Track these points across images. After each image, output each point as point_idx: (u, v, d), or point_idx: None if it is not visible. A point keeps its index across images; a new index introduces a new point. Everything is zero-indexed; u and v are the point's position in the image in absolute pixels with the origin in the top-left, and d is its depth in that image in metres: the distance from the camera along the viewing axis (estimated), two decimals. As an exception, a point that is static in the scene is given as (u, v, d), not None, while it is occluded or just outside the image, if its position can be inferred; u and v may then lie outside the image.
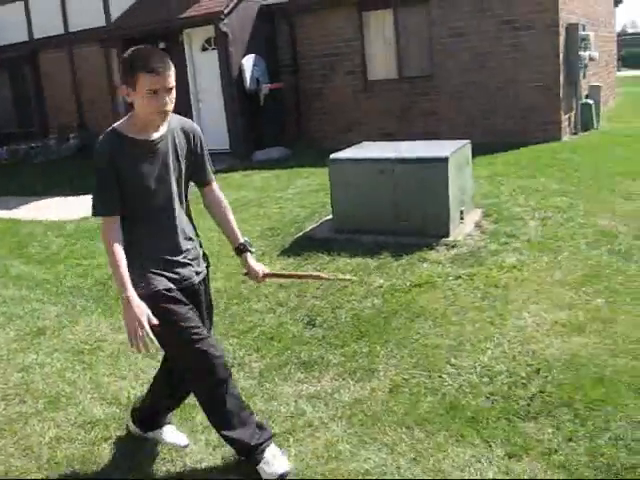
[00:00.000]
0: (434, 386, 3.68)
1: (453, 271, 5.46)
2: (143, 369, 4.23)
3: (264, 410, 3.58)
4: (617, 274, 5.13)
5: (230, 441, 3.00)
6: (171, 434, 3.37)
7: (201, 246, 3.11)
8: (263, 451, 2.97)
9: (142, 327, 2.59)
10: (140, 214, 2.82)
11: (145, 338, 2.60)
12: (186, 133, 2.96)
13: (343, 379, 3.84)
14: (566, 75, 11.69)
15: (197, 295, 3.00)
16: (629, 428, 3.11)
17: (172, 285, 2.84)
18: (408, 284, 5.17)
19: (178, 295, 2.85)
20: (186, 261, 2.94)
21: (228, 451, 3.16)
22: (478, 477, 2.87)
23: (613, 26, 19.82)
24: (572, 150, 10.54)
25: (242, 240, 3.09)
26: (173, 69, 2.72)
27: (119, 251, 2.71)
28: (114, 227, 2.75)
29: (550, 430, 3.16)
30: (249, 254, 3.09)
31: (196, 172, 3.03)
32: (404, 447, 3.13)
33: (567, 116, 11.98)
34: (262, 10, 13.61)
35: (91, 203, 2.77)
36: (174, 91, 2.76)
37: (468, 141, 6.79)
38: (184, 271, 2.92)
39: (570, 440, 3.06)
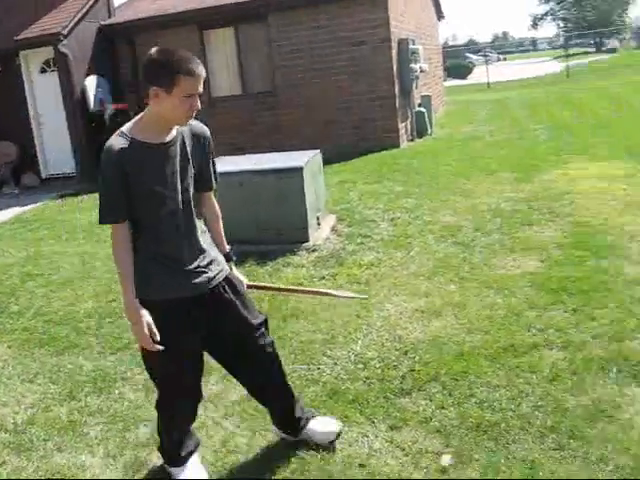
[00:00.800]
0: (314, 377, 3.94)
1: (317, 273, 5.79)
2: (23, 393, 4.18)
3: (156, 419, 3.68)
4: (463, 263, 5.66)
5: (161, 449, 3.14)
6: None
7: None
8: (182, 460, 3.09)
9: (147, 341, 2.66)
10: (150, 221, 2.72)
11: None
12: (197, 136, 2.85)
13: (228, 381, 4.00)
14: (400, 86, 12.49)
15: (220, 298, 2.88)
16: (490, 391, 3.52)
17: (180, 294, 2.77)
18: (277, 288, 5.43)
19: (182, 311, 2.77)
20: (199, 269, 2.81)
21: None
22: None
23: (438, 39, 21.26)
24: (411, 156, 11.29)
25: (228, 249, 3.07)
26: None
27: (128, 261, 2.69)
28: (123, 234, 2.70)
29: (423, 402, 3.51)
30: (232, 264, 3.06)
31: (202, 177, 2.89)
32: (295, 433, 3.37)
33: (403, 124, 12.79)
34: (103, 30, 13.47)
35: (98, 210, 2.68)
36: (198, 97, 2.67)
37: (318, 151, 7.17)
38: (196, 280, 2.79)
39: (442, 408, 3.43)
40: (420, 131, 13.42)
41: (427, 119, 13.54)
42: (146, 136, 2.67)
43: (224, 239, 3.09)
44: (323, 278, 5.64)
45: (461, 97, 24.60)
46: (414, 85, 13.00)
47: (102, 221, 2.71)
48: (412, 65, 12.53)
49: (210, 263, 2.86)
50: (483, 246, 6.05)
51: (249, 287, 3.17)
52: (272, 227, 6.48)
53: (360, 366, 4.00)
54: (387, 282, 5.38)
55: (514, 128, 13.79)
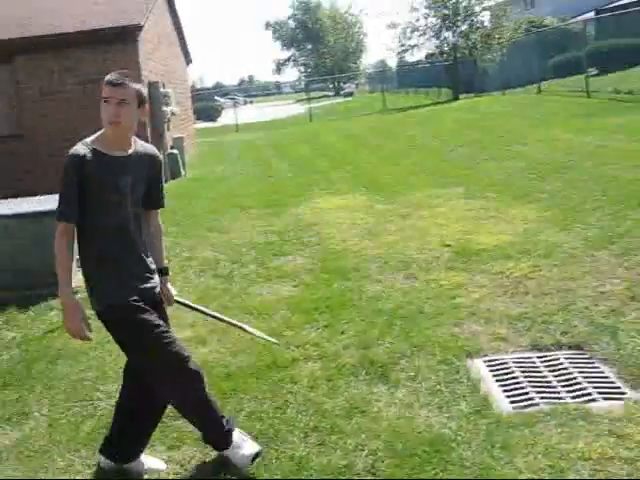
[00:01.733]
0: (90, 412, 4.00)
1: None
2: None
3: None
4: (224, 293, 6.00)
5: (206, 433, 3.22)
6: (150, 460, 3.35)
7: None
8: (232, 435, 3.20)
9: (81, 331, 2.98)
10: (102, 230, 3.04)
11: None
12: (149, 156, 3.16)
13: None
14: (153, 128, 12.67)
15: (158, 305, 3.20)
16: (257, 404, 3.87)
17: (138, 296, 3.04)
18: (42, 332, 5.34)
19: (145, 306, 3.05)
20: (147, 275, 3.14)
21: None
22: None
23: (187, 82, 21.73)
24: (169, 196, 11.46)
25: (165, 264, 3.31)
26: (129, 88, 2.96)
27: (68, 256, 2.95)
28: (69, 233, 2.97)
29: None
30: (168, 277, 3.34)
31: (152, 195, 3.19)
32: (78, 467, 3.42)
33: (157, 165, 12.94)
34: None
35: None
36: (127, 107, 2.94)
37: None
38: (146, 284, 3.12)
39: (214, 424, 3.69)
40: (174, 173, 13.67)
41: (180, 161, 13.85)
42: (104, 148, 3.01)
43: (164, 254, 3.39)
44: (89, 318, 5.62)
45: (212, 139, 25.29)
46: (166, 127, 13.26)
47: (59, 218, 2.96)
48: (164, 108, 12.80)
49: (154, 272, 3.22)
50: (241, 277, 6.44)
51: (177, 302, 3.43)
52: (33, 271, 6.32)
53: (132, 397, 4.12)
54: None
55: (264, 167, 14.58)
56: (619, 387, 3.81)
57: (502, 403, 3.75)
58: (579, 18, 27.73)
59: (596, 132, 12.72)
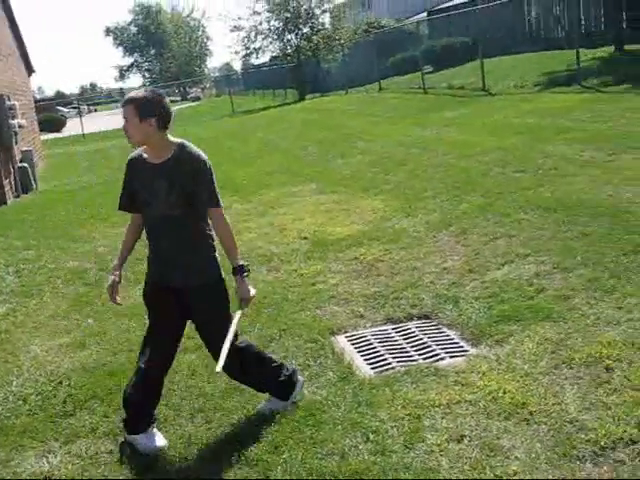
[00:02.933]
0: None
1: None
2: None
3: None
4: (96, 300, 6.15)
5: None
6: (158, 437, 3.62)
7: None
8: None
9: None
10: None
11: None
12: (185, 162, 3.40)
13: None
14: (0, 143, 12.33)
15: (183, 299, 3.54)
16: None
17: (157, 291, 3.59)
18: None
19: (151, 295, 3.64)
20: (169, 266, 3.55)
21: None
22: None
23: (30, 94, 21.02)
24: (21, 211, 11.29)
25: (236, 263, 3.53)
26: (128, 106, 3.32)
27: (127, 236, 3.69)
28: (133, 220, 3.67)
29: (88, 417, 3.98)
30: (241, 277, 3.56)
31: (197, 197, 3.42)
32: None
33: (7, 181, 12.62)
34: None
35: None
36: (126, 123, 3.35)
37: None
38: (169, 283, 3.54)
39: (105, 417, 3.96)
40: (25, 186, 13.36)
41: (30, 174, 13.55)
42: (147, 155, 3.47)
43: (232, 254, 3.54)
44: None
45: (60, 150, 24.58)
46: (14, 141, 12.94)
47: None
48: (10, 121, 12.49)
49: (177, 267, 3.52)
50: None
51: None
52: None
53: (20, 402, 4.27)
54: (28, 327, 5.63)
55: (119, 175, 14.42)
56: (462, 346, 4.43)
57: (364, 369, 4.25)
58: (413, 19, 29.41)
59: (433, 125, 13.75)
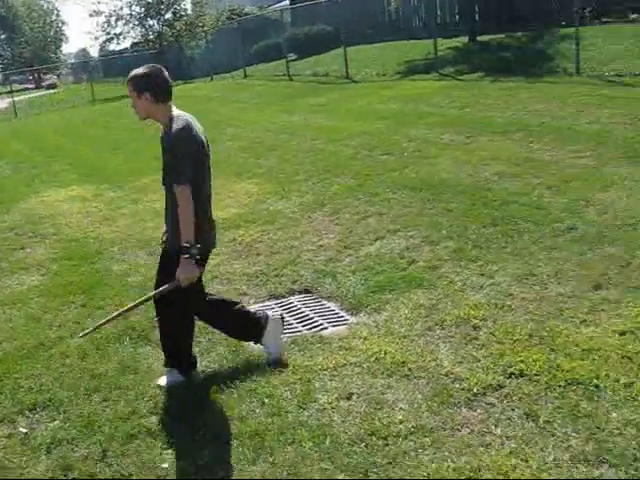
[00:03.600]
0: None
1: None
2: None
3: None
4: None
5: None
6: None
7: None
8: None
9: None
10: None
11: None
12: (167, 135, 3.62)
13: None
14: None
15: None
16: (35, 379, 4.14)
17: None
18: None
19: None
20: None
21: None
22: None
23: None
24: None
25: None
26: (128, 84, 3.66)
27: None
28: None
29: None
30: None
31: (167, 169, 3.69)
32: None
33: None
34: None
35: None
36: (132, 100, 3.68)
37: None
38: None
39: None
40: None
41: None
42: None
43: (182, 232, 3.53)
44: None
45: None
46: None
47: None
48: None
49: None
50: (-15, 273, 6.42)
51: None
52: None
53: None
54: None
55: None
56: (343, 316, 4.73)
57: (252, 343, 4.44)
58: (276, 6, 29.58)
59: (301, 112, 14.04)
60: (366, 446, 3.12)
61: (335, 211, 6.98)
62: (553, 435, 3.05)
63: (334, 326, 4.57)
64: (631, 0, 15.49)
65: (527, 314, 4.23)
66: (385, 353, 3.96)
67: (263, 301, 5.16)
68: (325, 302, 5.00)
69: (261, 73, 23.72)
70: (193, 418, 3.51)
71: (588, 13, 14.70)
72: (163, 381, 3.94)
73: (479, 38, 17.59)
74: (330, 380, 3.76)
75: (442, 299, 4.62)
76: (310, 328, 4.60)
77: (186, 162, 3.52)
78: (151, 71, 3.63)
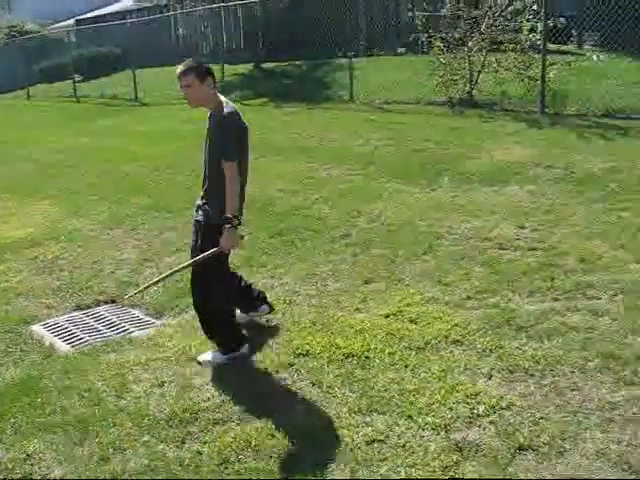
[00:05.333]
0: None
1: None
2: None
3: None
4: None
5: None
6: None
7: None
8: None
9: None
10: None
11: None
12: (214, 117, 4.17)
13: None
14: None
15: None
16: None
17: None
18: None
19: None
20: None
21: None
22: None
23: None
24: None
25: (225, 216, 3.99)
26: (187, 75, 4.04)
27: None
28: None
29: None
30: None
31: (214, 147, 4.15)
32: None
33: None
34: None
35: None
36: (189, 89, 4.06)
37: None
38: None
39: None
40: None
41: None
42: None
43: (228, 204, 3.97)
44: None
45: None
46: None
47: None
48: None
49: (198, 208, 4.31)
50: None
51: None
52: None
53: None
54: None
55: None
56: (149, 320, 5.19)
57: (64, 348, 4.76)
58: (59, 25, 28.80)
59: (90, 134, 14.09)
60: (180, 421, 3.65)
61: (133, 227, 7.37)
62: (335, 396, 3.78)
63: (141, 329, 5.01)
64: (398, 36, 17.29)
65: (310, 307, 4.98)
66: (191, 347, 4.49)
67: (70, 312, 5.45)
68: (131, 310, 5.41)
69: (45, 94, 23.04)
70: (17, 415, 3.81)
71: (362, 46, 16.24)
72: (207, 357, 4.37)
73: (264, 65, 18.64)
74: (142, 373, 4.22)
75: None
76: (119, 333, 5.00)
77: (234, 142, 4.06)
78: (201, 62, 4.21)
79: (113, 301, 5.64)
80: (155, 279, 4.88)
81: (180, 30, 23.89)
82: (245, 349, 4.37)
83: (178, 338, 4.67)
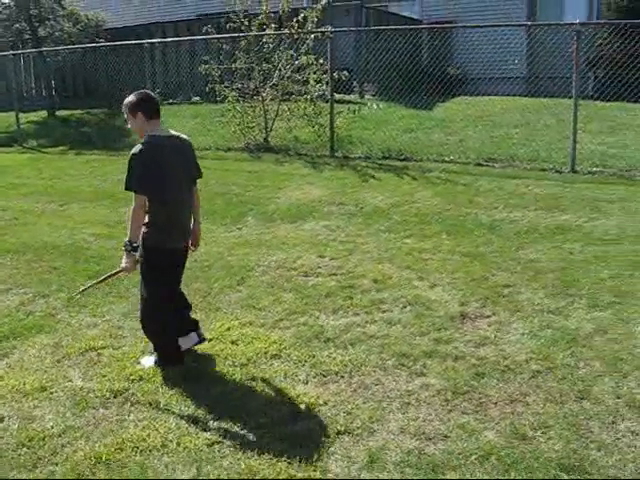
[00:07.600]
0: None
1: None
2: None
3: None
4: None
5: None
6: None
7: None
8: None
9: None
10: None
11: None
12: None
13: None
14: None
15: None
16: None
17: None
18: None
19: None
20: None
21: None
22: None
23: None
24: None
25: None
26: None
27: None
28: None
29: None
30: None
31: None
32: None
33: None
34: None
35: None
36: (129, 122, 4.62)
37: None
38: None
39: None
40: None
41: None
42: None
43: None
44: None
45: None
46: None
47: None
48: None
49: None
50: None
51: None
52: None
53: None
54: None
55: None
56: None
57: None
58: None
59: None
60: (28, 448, 3.86)
61: None
62: (172, 412, 4.19)
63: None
64: (193, 87, 17.87)
65: (137, 339, 5.30)
66: (24, 384, 4.64)
67: None
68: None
69: None
70: None
71: (158, 94, 16.58)
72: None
73: (59, 113, 18.39)
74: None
75: (64, 338, 5.41)
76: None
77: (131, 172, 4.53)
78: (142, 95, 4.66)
79: None
80: (93, 281, 5.44)
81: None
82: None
83: (8, 378, 4.78)
